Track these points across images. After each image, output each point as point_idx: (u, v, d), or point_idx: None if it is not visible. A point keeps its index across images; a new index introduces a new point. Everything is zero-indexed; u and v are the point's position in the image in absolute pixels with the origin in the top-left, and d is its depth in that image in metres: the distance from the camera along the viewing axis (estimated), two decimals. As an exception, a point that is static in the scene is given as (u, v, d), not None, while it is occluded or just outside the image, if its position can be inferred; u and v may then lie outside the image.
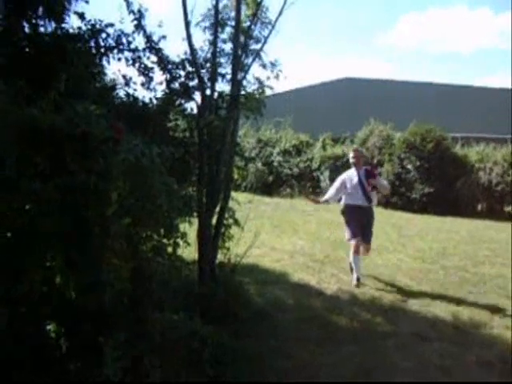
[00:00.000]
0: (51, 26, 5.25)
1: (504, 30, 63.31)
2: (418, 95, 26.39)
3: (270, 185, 21.72)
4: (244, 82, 6.21)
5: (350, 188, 8.01)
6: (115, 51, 5.68)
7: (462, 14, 63.13)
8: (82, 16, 5.48)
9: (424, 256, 10.24)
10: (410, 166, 19.14)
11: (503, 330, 6.17)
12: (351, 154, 8.20)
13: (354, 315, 6.46)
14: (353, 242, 7.99)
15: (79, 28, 5.47)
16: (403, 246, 11.24)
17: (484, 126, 23.27)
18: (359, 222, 7.99)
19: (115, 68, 5.80)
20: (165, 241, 3.95)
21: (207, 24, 6.43)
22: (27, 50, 5.04)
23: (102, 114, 3.54)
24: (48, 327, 3.46)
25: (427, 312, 6.73)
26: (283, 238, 11.35)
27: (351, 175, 8.11)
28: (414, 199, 18.70)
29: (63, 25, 5.36)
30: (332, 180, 20.95)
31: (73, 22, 5.52)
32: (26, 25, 5.16)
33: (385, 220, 14.96)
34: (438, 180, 18.53)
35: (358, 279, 7.86)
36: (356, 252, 7.97)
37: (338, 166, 20.55)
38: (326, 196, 8.45)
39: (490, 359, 5.30)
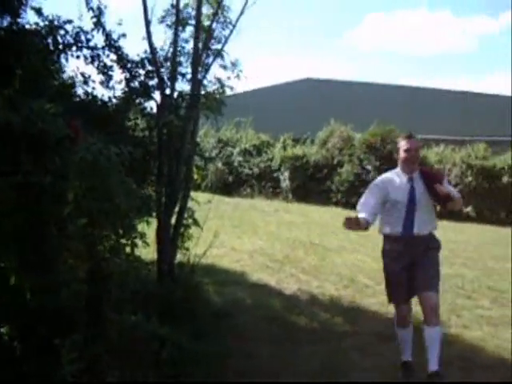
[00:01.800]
0: (6, 21, 5.14)
1: (464, 32, 64.55)
2: (378, 97, 26.65)
3: (231, 185, 21.71)
4: (204, 82, 6.20)
5: (392, 204, 4.82)
6: (74, 48, 5.60)
7: (422, 16, 64.14)
8: (39, 11, 5.38)
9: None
10: (369, 167, 19.36)
11: (461, 329, 6.27)
12: (404, 145, 4.90)
13: (313, 315, 6.49)
14: (395, 310, 5.01)
15: (36, 24, 5.38)
16: (362, 245, 11.32)
17: (443, 127, 23.62)
18: (407, 270, 4.80)
19: (74, 66, 5.69)
20: (123, 241, 3.91)
21: (168, 23, 6.37)
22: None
23: (59, 113, 3.49)
24: (1, 330, 3.39)
25: (386, 312, 6.79)
26: (243, 238, 11.34)
27: (396, 181, 4.90)
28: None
29: (19, 20, 5.25)
30: (293, 181, 21.25)
31: (30, 18, 5.42)
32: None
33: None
34: (397, 181, 18.73)
35: (406, 364, 4.91)
36: (401, 323, 4.93)
37: (298, 166, 20.69)
38: (364, 214, 4.81)
39: (449, 358, 5.38)
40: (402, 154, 4.95)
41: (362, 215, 4.79)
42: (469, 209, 18.06)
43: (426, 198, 4.79)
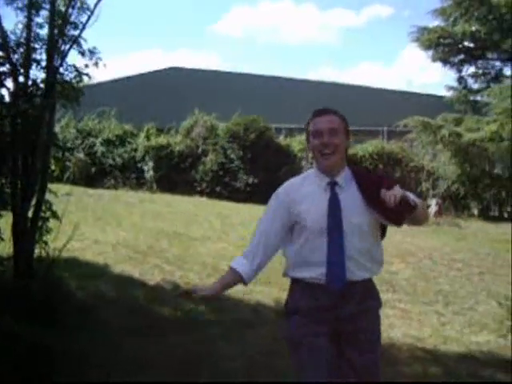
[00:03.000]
0: None
1: (327, 26, 66.86)
2: (242, 86, 27.01)
3: (94, 176, 21.15)
4: (61, 70, 5.98)
5: (304, 229, 2.93)
6: None
7: (288, 8, 65.75)
8: None
9: (247, 244, 10.53)
10: (233, 156, 19.63)
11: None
12: (312, 126, 3.02)
13: (177, 305, 6.49)
14: None
15: None
16: (226, 234, 11.49)
17: (306, 117, 24.29)
18: (331, 343, 2.89)
19: None
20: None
21: (19, 5, 6.06)
22: None
23: None
24: None
25: (250, 299, 6.95)
26: (106, 230, 11.10)
27: (308, 190, 3.00)
28: (238, 188, 19.21)
29: None
30: (157, 171, 21.06)
31: None
32: None
33: (209, 210, 15.23)
34: (261, 169, 19.18)
35: None
36: None
37: (162, 156, 20.55)
38: (238, 262, 3.15)
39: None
40: (311, 142, 3.00)
41: (234, 264, 3.10)
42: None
43: (362, 214, 2.88)
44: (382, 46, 60.69)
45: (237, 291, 7.16)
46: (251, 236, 3.19)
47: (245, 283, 3.05)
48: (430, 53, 22.23)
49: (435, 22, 22.45)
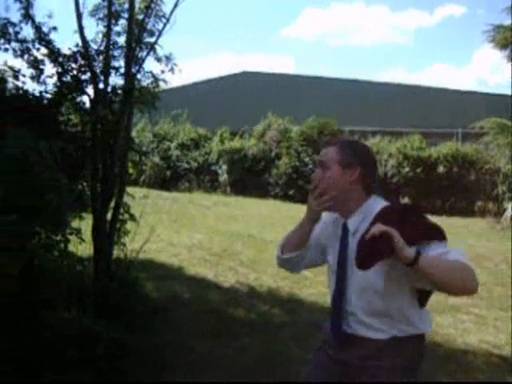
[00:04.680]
0: None
1: (400, 27, 65.98)
2: (314, 89, 26.93)
3: (169, 179, 21.57)
4: (138, 76, 6.14)
5: (330, 270, 2.69)
6: (1, 41, 5.46)
7: (360, 10, 65.18)
8: (-39, 2, 5.24)
9: (319, 247, 10.51)
10: (307, 159, 19.59)
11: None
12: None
13: (251, 307, 6.55)
14: None
15: (-41, 15, 5.23)
16: (299, 238, 11.45)
17: (380, 119, 24.07)
18: None
19: (2, 59, 5.54)
20: (56, 237, 3.86)
21: (100, 16, 6.29)
22: None
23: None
24: None
25: (324, 302, 6.93)
26: (181, 232, 11.31)
27: (329, 229, 2.71)
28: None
29: None
30: (230, 174, 21.28)
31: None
32: None
33: (282, 213, 15.25)
34: (334, 172, 19.06)
35: None
36: None
37: (236, 159, 20.75)
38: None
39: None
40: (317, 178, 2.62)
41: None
42: (406, 199, 18.53)
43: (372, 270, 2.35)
44: (455, 46, 59.16)
45: (310, 294, 7.18)
46: None
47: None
48: (506, 52, 21.46)
49: (509, 21, 21.66)
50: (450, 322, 6.33)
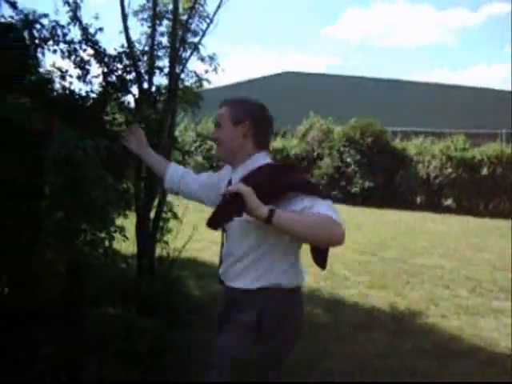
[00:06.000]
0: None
1: (445, 26, 65.08)
2: (358, 89, 26.78)
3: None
4: (182, 76, 6.20)
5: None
6: (50, 43, 5.56)
7: (404, 9, 64.53)
8: (13, 5, 5.33)
9: (363, 248, 10.45)
10: (349, 160, 19.47)
11: (439, 319, 6.38)
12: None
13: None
14: None
15: (11, 17, 5.34)
16: (341, 238, 11.39)
17: (423, 120, 23.81)
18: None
19: (50, 60, 5.66)
20: (101, 234, 3.92)
21: (145, 16, 6.37)
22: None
23: (36, 108, 3.48)
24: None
25: (365, 303, 6.89)
26: (223, 231, 11.31)
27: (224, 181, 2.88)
28: (354, 192, 19.05)
29: (-7, 14, 5.20)
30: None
31: (4, 12, 5.37)
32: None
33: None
34: (377, 173, 18.91)
35: None
36: None
37: (278, 159, 20.74)
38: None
39: (426, 347, 5.48)
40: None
41: (173, 165, 3.33)
42: (449, 200, 18.26)
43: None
44: (500, 46, 58.00)
45: (352, 295, 7.14)
46: None
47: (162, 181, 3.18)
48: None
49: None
50: (493, 326, 6.22)
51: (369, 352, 5.30)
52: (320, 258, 2.70)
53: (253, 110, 2.75)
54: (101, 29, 5.81)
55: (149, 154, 3.28)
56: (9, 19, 5.29)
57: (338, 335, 5.71)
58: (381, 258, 9.70)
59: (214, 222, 2.42)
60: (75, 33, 5.70)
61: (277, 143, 21.27)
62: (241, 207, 2.26)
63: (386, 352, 5.31)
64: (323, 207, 2.36)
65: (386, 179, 18.89)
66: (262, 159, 2.65)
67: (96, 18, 5.81)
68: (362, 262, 9.22)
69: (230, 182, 2.70)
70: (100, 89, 5.92)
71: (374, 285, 7.70)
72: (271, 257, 2.58)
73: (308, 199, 2.39)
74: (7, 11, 5.33)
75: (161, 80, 6.16)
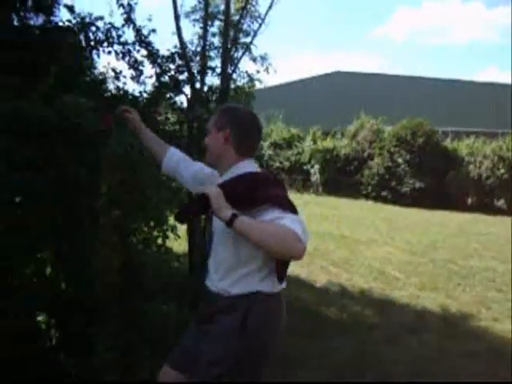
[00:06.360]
0: (41, 19, 5.24)
1: (495, 24, 63.67)
2: (408, 89, 26.45)
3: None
4: (234, 76, 6.25)
5: None
6: (105, 44, 5.67)
7: (455, 7, 63.41)
8: (71, 9, 5.47)
9: (413, 249, 10.33)
10: (400, 160, 19.24)
11: (491, 322, 6.26)
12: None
13: (343, 307, 6.51)
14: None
15: (69, 21, 5.47)
16: (392, 239, 11.31)
17: (474, 119, 23.38)
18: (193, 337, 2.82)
19: (105, 61, 5.77)
20: (154, 233, 3.98)
21: (197, 17, 6.45)
22: (16, 42, 5.03)
23: (92, 107, 3.56)
24: (38, 318, 3.49)
25: (416, 304, 6.81)
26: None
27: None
28: (404, 193, 18.81)
29: (52, 18, 5.34)
30: (323, 174, 21.22)
31: (62, 15, 5.51)
32: (14, 17, 5.15)
33: (375, 213, 15.06)
34: (428, 174, 18.64)
35: None
36: None
37: (328, 159, 20.68)
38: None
39: (477, 350, 5.37)
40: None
41: (173, 149, 3.21)
42: (501, 201, 17.88)
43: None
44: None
45: (402, 296, 7.06)
46: None
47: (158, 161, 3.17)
48: None
49: None
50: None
51: (419, 354, 5.23)
52: (279, 271, 2.57)
53: (237, 116, 2.72)
54: (154, 30, 5.89)
55: (147, 134, 3.23)
56: (66, 23, 5.43)
57: (388, 337, 5.66)
58: (431, 259, 9.56)
59: (179, 216, 2.69)
60: (129, 34, 5.80)
61: (327, 143, 21.20)
62: (202, 207, 2.41)
63: (435, 355, 5.23)
64: (289, 221, 2.36)
65: (436, 180, 18.59)
66: (247, 167, 2.67)
67: (149, 19, 5.90)
68: (412, 263, 9.11)
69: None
70: (153, 89, 6.01)
71: (425, 286, 7.60)
72: (250, 264, 2.58)
73: (278, 211, 2.41)
74: (65, 15, 5.46)
75: (213, 80, 6.23)
